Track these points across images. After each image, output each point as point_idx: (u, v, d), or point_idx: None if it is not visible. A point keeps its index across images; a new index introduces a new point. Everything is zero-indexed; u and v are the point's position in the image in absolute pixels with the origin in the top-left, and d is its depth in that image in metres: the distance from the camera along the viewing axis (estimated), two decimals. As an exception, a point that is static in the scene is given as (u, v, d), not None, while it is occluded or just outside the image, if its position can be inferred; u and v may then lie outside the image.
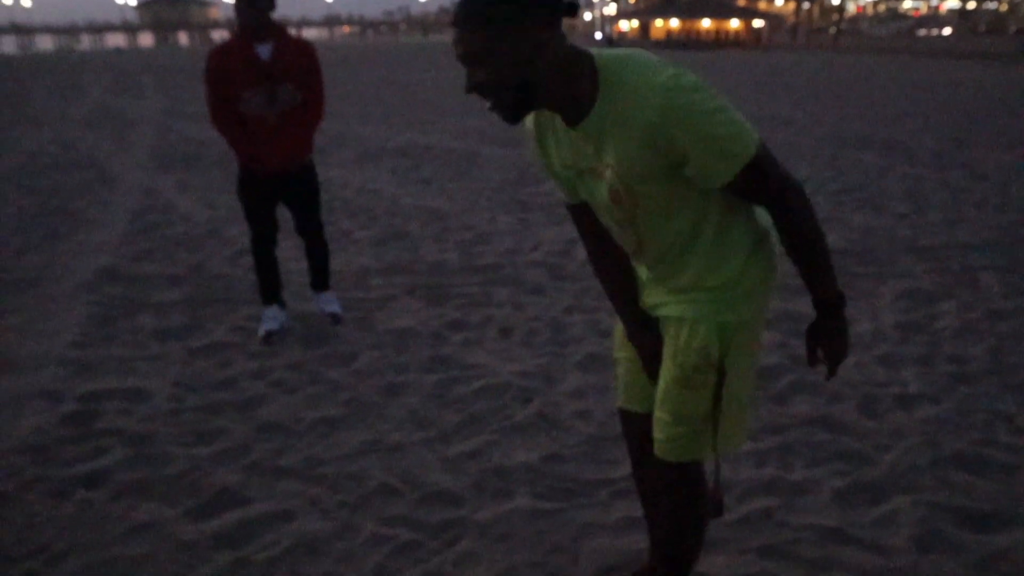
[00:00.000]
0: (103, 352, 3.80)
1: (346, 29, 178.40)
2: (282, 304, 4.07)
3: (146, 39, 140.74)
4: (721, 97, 1.41)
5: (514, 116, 1.43)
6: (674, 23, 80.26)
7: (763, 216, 1.67)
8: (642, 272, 1.76)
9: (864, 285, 4.77)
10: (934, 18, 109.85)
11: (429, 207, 6.68)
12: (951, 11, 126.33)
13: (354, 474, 2.73)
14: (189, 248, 5.58)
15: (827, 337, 1.61)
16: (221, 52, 3.51)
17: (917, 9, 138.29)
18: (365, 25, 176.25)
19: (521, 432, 2.98)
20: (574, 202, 1.71)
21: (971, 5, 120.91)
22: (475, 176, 8.10)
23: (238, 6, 3.41)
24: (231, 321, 4.17)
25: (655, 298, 1.73)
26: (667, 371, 1.67)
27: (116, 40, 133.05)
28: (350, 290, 4.63)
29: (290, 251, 5.43)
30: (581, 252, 5.39)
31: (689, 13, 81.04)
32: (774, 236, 1.66)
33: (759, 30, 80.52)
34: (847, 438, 2.95)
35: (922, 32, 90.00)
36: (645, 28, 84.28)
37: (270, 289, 3.99)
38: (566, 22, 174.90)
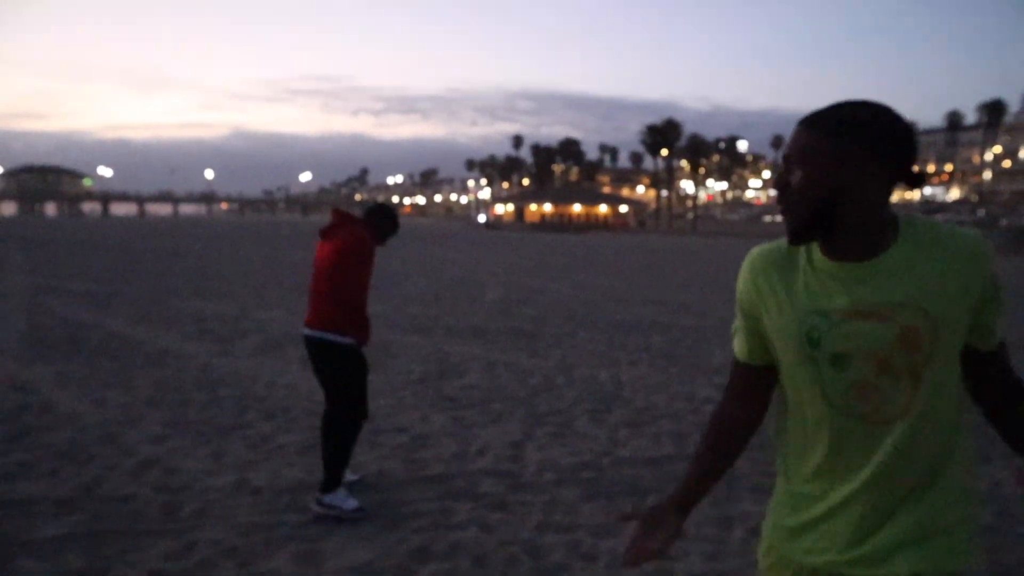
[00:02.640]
0: (-25, 615, 2.99)
1: (224, 206, 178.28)
2: None
3: (9, 207, 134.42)
4: None
5: (800, 231, 1.39)
6: (547, 207, 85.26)
7: None
8: (838, 495, 1.45)
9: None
10: (773, 206, 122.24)
11: (353, 404, 6.15)
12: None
13: None
14: (79, 460, 4.78)
15: None
16: (366, 241, 4.01)
17: (759, 198, 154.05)
18: (244, 203, 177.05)
19: None
20: (756, 363, 1.55)
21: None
22: (393, 368, 7.68)
23: (391, 224, 4.21)
24: (144, 561, 3.44)
25: (861, 548, 1.42)
26: None
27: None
28: (284, 512, 4.00)
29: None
30: (532, 456, 5.01)
31: (561, 198, 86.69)
32: None
33: (625, 215, 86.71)
34: None
35: (767, 218, 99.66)
36: (520, 212, 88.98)
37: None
38: (450, 201, 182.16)
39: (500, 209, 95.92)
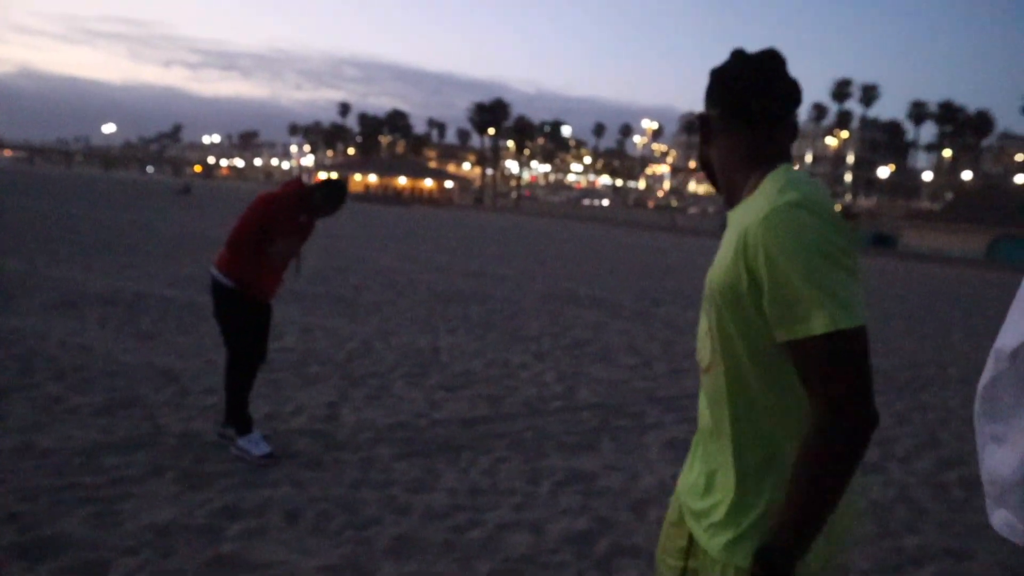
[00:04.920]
0: None
1: (7, 153, 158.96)
2: None
3: None
4: (844, 256, 1.21)
5: (717, 189, 1.53)
6: (372, 178, 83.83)
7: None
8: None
9: (630, 438, 4.98)
10: (594, 191, 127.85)
11: (158, 366, 5.81)
12: (604, 186, 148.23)
13: None
14: None
15: None
16: (277, 199, 4.09)
17: (579, 182, 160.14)
18: (33, 151, 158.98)
19: (349, 649, 2.49)
20: None
21: (619, 183, 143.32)
22: (204, 331, 7.31)
23: (330, 201, 4.21)
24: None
25: (689, 498, 1.45)
26: None
27: None
28: (76, 474, 3.73)
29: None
30: (348, 417, 4.99)
31: (387, 170, 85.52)
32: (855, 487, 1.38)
33: (450, 190, 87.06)
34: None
35: (586, 202, 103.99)
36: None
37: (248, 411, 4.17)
38: (271, 166, 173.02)
39: (323, 177, 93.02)
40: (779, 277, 1.20)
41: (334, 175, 4.30)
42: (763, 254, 1.22)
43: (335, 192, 4.22)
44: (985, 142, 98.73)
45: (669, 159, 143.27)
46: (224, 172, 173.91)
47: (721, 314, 1.32)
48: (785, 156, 1.40)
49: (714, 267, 1.36)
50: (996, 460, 0.66)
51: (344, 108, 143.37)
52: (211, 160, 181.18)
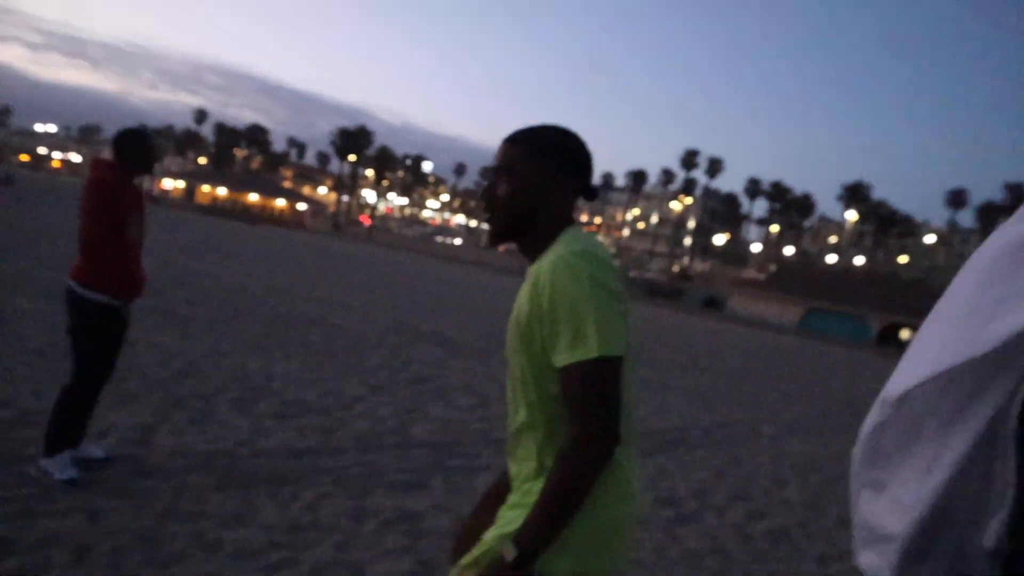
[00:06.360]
0: None
1: None
2: None
3: None
4: (613, 298, 1.42)
5: (497, 236, 1.61)
6: (222, 191, 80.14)
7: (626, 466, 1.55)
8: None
9: (461, 479, 4.93)
10: (447, 229, 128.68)
11: (-57, 371, 5.16)
12: (459, 225, 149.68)
13: None
14: None
15: None
16: (105, 181, 3.69)
17: (434, 219, 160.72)
18: None
19: None
20: None
21: (473, 223, 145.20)
22: (7, 334, 6.60)
23: (150, 152, 3.82)
24: None
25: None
26: None
27: None
28: None
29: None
30: (164, 441, 4.63)
31: (239, 185, 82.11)
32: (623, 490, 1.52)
33: (303, 213, 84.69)
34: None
35: (439, 239, 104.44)
36: (191, 191, 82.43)
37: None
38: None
39: (169, 184, 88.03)
40: (556, 311, 1.41)
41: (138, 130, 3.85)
42: (548, 292, 1.43)
43: (134, 135, 3.83)
44: (807, 222, 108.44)
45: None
46: (56, 165, 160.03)
47: (517, 353, 1.52)
48: (575, 218, 1.63)
49: (514, 310, 1.55)
50: (874, 506, 0.69)
51: (201, 115, 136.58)
52: (42, 151, 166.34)
